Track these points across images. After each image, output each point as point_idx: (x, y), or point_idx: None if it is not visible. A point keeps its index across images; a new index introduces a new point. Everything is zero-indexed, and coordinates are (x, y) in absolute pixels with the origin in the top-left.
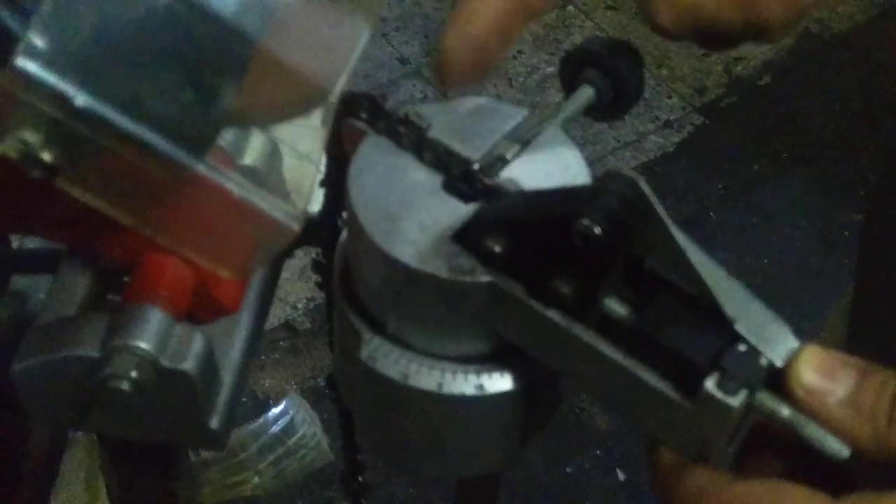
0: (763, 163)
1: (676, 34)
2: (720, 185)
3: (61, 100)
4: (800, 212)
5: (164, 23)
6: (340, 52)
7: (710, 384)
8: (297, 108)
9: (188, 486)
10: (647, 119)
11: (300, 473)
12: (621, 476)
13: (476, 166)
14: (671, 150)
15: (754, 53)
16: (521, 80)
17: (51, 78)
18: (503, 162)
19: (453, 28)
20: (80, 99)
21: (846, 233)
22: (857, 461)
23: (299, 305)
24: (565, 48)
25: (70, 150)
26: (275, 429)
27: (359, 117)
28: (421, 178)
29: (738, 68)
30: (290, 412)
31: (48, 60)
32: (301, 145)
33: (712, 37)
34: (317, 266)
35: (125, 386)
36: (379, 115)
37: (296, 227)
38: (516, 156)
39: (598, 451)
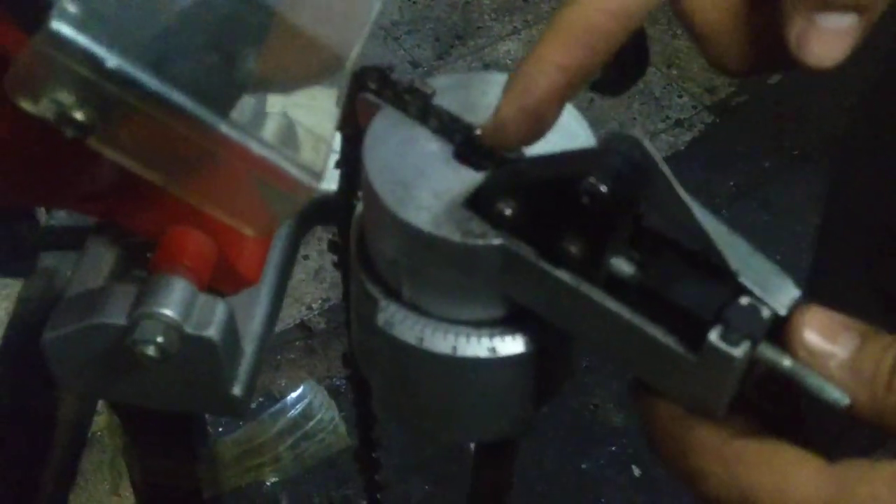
0: (774, 160)
1: None
2: (732, 183)
3: (93, 61)
4: (811, 209)
5: None
6: (354, 21)
7: (713, 336)
8: (314, 75)
9: (209, 469)
10: (657, 118)
11: (319, 457)
12: (636, 472)
13: (479, 131)
14: (682, 148)
15: None
16: None
17: (84, 40)
18: None
19: (510, 98)
20: (112, 60)
21: None
22: (852, 420)
23: (314, 306)
24: None
25: (102, 110)
26: (293, 412)
27: (369, 89)
28: (434, 148)
29: None
30: (308, 396)
31: (81, 24)
32: (318, 127)
33: None
34: (333, 246)
35: (151, 351)
36: (386, 84)
37: (315, 184)
38: None
39: (613, 448)
